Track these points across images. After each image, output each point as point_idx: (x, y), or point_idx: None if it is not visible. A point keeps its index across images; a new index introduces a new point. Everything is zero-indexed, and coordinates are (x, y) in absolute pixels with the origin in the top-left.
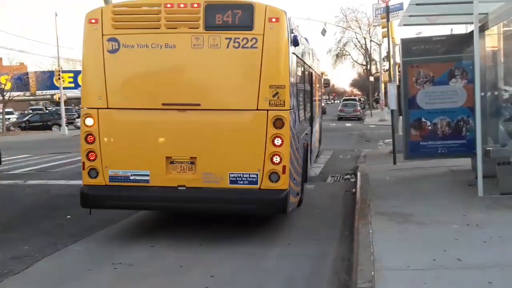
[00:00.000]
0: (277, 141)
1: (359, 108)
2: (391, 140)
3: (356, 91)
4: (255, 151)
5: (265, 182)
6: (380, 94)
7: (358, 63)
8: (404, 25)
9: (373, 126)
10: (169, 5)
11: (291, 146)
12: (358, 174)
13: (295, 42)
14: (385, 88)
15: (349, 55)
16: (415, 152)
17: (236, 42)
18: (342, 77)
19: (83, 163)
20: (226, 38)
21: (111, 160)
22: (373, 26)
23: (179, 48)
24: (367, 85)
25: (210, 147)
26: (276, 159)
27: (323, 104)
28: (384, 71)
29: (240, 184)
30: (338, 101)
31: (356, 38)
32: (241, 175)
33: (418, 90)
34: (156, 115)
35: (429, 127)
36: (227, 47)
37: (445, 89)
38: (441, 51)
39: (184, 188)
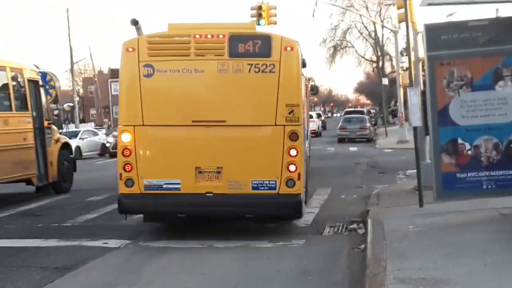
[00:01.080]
0: (293, 152)
1: (368, 124)
2: (415, 171)
3: (363, 99)
4: (273, 160)
5: (282, 188)
6: (398, 104)
7: (366, 59)
8: (428, 4)
9: (389, 150)
10: (198, 36)
11: (303, 156)
12: (369, 222)
13: (304, 65)
14: (405, 94)
15: (352, 47)
16: (450, 188)
17: (256, 67)
18: (343, 79)
19: (120, 174)
20: (247, 64)
21: (146, 171)
22: (385, 5)
23: (207, 72)
24: (379, 91)
25: (234, 158)
26: (292, 167)
27: (322, 118)
28: (403, 70)
29: (261, 189)
30: (339, 114)
31: (362, 23)
32: (262, 182)
33: (451, 98)
34: (187, 130)
35: (469, 152)
36: (249, 71)
37: (490, 96)
38: (483, 41)
39: (212, 194)
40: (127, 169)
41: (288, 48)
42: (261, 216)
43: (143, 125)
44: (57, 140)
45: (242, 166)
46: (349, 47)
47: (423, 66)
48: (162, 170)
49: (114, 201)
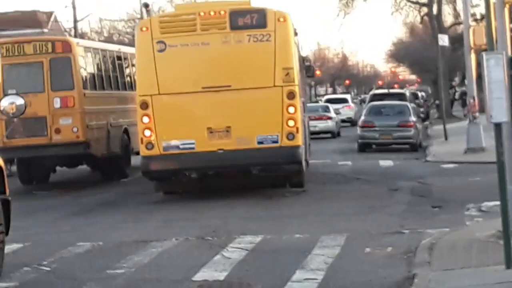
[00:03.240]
0: (291, 109)
1: (412, 118)
2: (498, 203)
3: (404, 73)
4: (275, 117)
5: (284, 141)
6: (466, 83)
7: (409, 1)
8: None
9: (451, 166)
10: (202, 14)
11: (301, 113)
12: None
13: (295, 33)
14: (479, 65)
15: None
16: None
17: (254, 37)
18: (368, 37)
19: (141, 138)
20: (247, 35)
21: (164, 134)
22: None
23: (212, 44)
24: (433, 58)
25: (241, 117)
26: (291, 122)
27: (350, 105)
28: (475, 20)
29: (266, 144)
30: (359, 98)
31: None
32: (266, 137)
33: None
34: (197, 96)
35: None
36: (248, 41)
37: None
38: None
39: (223, 151)
40: (146, 134)
41: (281, 19)
42: (266, 167)
43: (159, 94)
44: None
45: (248, 124)
46: None
47: (511, 11)
48: (178, 132)
49: None
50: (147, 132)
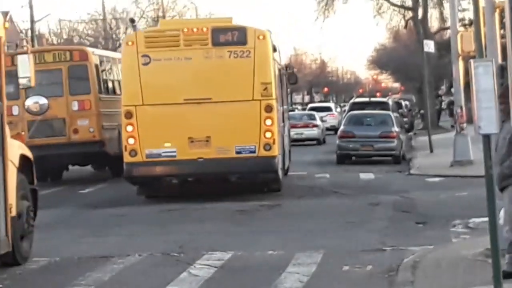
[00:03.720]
0: (268, 122)
1: (395, 129)
2: (487, 219)
3: (387, 80)
4: (252, 129)
5: (261, 151)
6: (453, 92)
7: (393, 4)
8: None
9: (436, 180)
10: (185, 30)
11: (277, 125)
12: None
13: (274, 49)
14: (467, 73)
15: None
16: None
17: (235, 53)
18: (348, 42)
19: (125, 146)
20: (228, 51)
21: (147, 142)
22: None
23: (194, 59)
24: (418, 65)
25: (220, 128)
26: (268, 134)
27: (333, 114)
28: (463, 25)
29: (244, 153)
30: (339, 107)
31: None
32: (244, 147)
33: None
34: (179, 107)
35: None
36: (229, 57)
37: None
38: None
39: (202, 159)
40: (130, 142)
41: (261, 37)
42: (244, 176)
43: (143, 104)
44: None
45: (227, 135)
46: None
47: (501, 16)
48: (160, 141)
49: None
50: (131, 140)
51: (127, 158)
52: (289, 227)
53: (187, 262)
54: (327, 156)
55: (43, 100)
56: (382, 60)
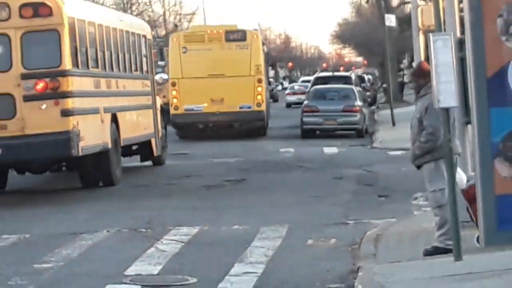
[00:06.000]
0: (259, 89)
1: (358, 103)
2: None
3: (350, 55)
4: (249, 94)
5: (255, 107)
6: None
7: None
8: None
9: (398, 153)
10: (208, 31)
11: (265, 91)
12: None
13: (263, 43)
14: (427, 47)
15: None
16: (510, 224)
17: (238, 46)
18: (312, 18)
19: (171, 104)
20: (235, 45)
21: (185, 101)
22: None
23: (214, 50)
24: (380, 40)
25: (230, 93)
26: (259, 97)
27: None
28: (424, 0)
29: (244, 109)
30: (303, 81)
31: None
32: (244, 105)
33: None
34: (205, 80)
35: None
36: (235, 48)
37: None
38: None
39: (218, 112)
40: (174, 101)
41: (255, 36)
42: (243, 123)
43: (182, 78)
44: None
45: (234, 97)
46: None
47: None
48: (193, 100)
49: None
50: (175, 100)
51: (172, 111)
52: (255, 201)
53: (155, 237)
54: (293, 131)
55: (165, 76)
56: (345, 35)
